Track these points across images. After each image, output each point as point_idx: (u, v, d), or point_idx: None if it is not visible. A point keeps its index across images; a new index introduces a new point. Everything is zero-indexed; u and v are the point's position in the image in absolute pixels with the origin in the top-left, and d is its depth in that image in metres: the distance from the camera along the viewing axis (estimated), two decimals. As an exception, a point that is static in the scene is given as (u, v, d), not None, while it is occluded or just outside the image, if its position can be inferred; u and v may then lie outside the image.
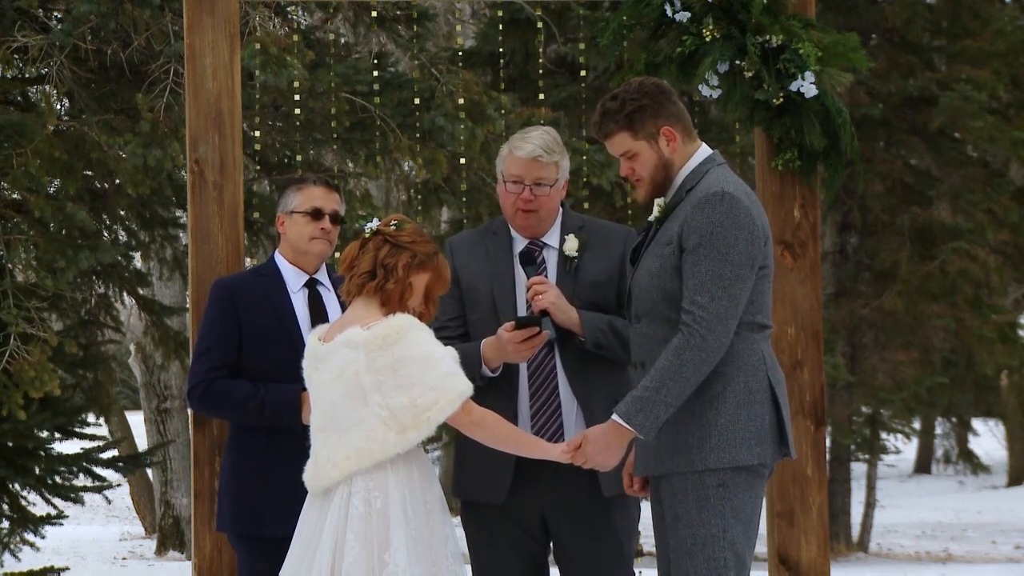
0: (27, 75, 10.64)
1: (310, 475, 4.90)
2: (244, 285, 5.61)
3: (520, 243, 5.50)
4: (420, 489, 4.85)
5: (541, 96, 12.04)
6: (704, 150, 5.00)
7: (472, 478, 5.45)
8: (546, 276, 5.45)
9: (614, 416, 4.81)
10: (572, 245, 5.47)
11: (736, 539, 4.81)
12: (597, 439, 4.85)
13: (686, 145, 4.98)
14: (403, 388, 4.77)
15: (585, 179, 11.43)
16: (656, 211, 4.99)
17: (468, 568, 5.03)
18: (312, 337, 5.01)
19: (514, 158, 5.44)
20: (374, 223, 4.99)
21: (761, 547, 16.96)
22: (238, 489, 5.51)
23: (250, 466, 5.50)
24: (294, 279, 5.63)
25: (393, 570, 4.71)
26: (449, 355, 4.84)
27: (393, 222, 4.98)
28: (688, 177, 4.94)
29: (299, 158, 11.22)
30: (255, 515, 5.46)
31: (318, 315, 5.54)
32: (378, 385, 4.77)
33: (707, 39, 5.78)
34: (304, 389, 5.32)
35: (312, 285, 5.63)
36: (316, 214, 5.61)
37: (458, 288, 5.48)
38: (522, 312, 5.42)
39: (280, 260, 5.67)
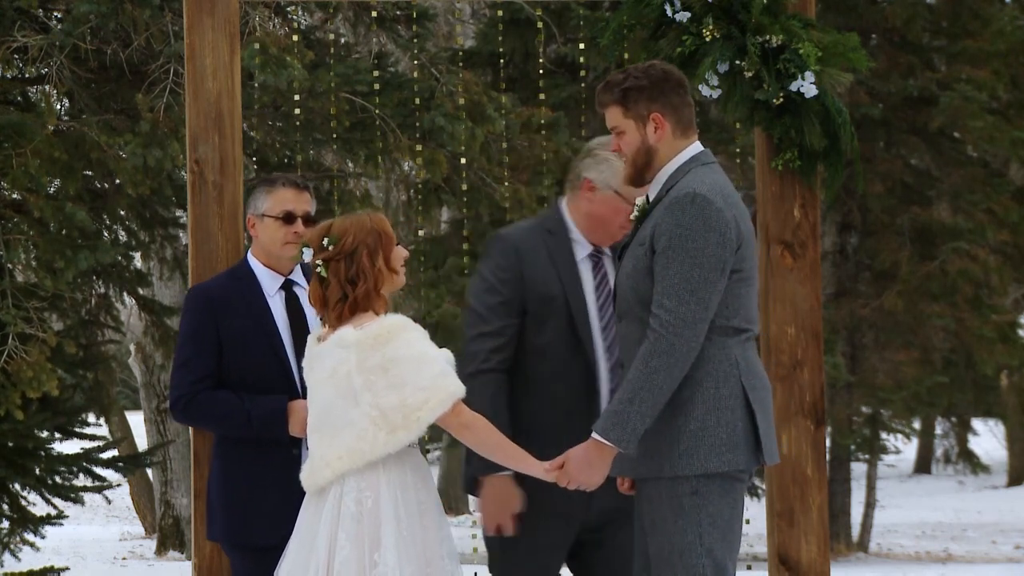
0: (27, 75, 10.64)
1: (306, 474, 4.90)
2: (219, 290, 5.54)
3: (583, 247, 5.40)
4: (414, 489, 4.84)
5: (541, 96, 12.04)
6: (693, 148, 4.92)
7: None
8: (609, 284, 5.35)
9: (593, 433, 4.75)
10: None
11: (714, 546, 4.76)
12: (579, 458, 4.78)
13: (676, 140, 4.90)
14: (394, 388, 4.75)
15: (585, 179, 11.42)
16: (636, 211, 4.96)
17: (463, 568, 5.02)
18: (311, 337, 5.00)
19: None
20: (307, 253, 4.91)
21: (761, 547, 16.95)
22: (228, 499, 5.47)
23: (239, 475, 5.45)
24: (270, 282, 5.56)
25: (383, 570, 4.70)
26: (442, 356, 4.82)
27: (324, 238, 4.90)
28: (671, 176, 4.88)
29: (299, 158, 11.22)
30: (247, 525, 5.43)
31: (296, 317, 5.49)
32: (369, 385, 4.76)
33: (707, 39, 5.78)
34: (290, 400, 5.33)
35: (288, 287, 5.57)
36: (288, 218, 5.54)
37: (519, 290, 5.34)
38: (595, 318, 5.32)
39: (254, 262, 5.60)
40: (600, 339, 5.35)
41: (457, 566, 4.89)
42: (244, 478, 5.43)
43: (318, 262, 4.88)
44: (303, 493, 4.95)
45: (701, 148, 4.94)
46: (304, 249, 4.92)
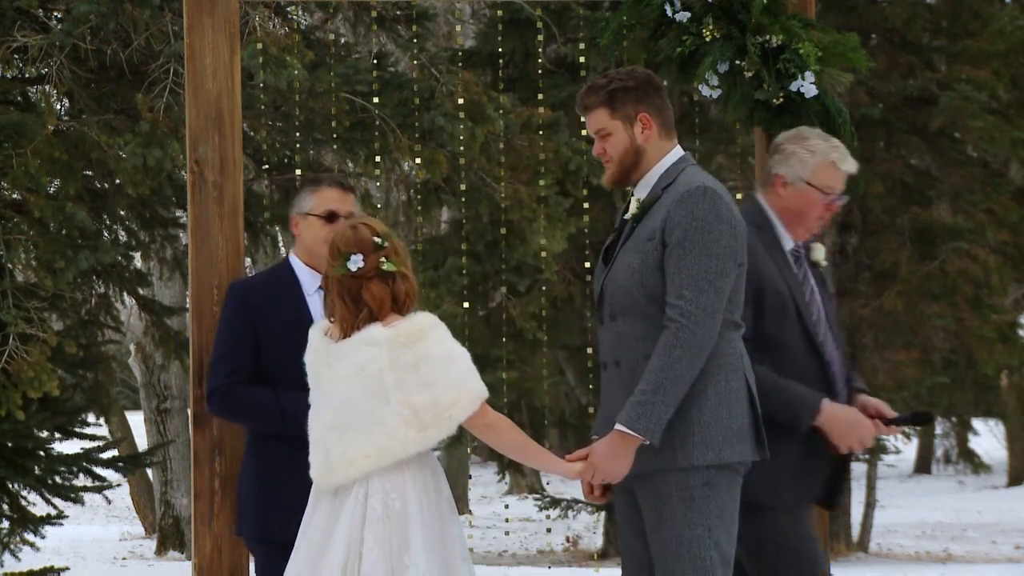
0: (27, 75, 10.64)
1: (321, 472, 4.87)
2: (259, 287, 5.57)
3: (787, 242, 5.34)
4: (434, 491, 4.85)
5: (541, 96, 12.05)
6: (679, 150, 5.00)
7: None
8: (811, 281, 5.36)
9: (617, 425, 4.77)
10: (821, 254, 5.43)
11: (720, 539, 4.81)
12: (603, 450, 4.80)
13: (662, 141, 4.98)
14: (425, 386, 4.75)
15: (585, 179, 11.43)
16: (634, 207, 4.98)
17: (476, 568, 5.02)
18: (316, 332, 4.97)
19: (841, 172, 5.38)
20: (358, 260, 4.87)
21: (761, 547, 16.94)
22: (260, 494, 5.48)
23: (271, 471, 5.47)
24: (310, 281, 5.58)
25: (414, 572, 4.69)
26: (466, 355, 4.83)
27: (375, 237, 4.87)
28: (664, 174, 4.94)
29: (299, 158, 11.22)
30: (278, 521, 5.41)
31: None
32: (400, 383, 4.75)
33: (707, 39, 5.78)
34: None
35: None
36: (331, 217, 5.55)
37: (751, 283, 5.18)
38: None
39: (295, 262, 5.63)
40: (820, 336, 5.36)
41: (470, 567, 4.89)
42: (276, 473, 5.44)
43: (382, 259, 4.85)
44: None
45: (683, 151, 5.02)
46: (352, 257, 4.87)
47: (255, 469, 5.52)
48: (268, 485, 5.47)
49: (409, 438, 4.76)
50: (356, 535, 4.75)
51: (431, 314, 4.87)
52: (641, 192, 4.98)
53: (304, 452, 5.30)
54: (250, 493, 5.52)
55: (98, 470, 11.22)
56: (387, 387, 4.76)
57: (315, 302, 5.55)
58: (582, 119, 5.14)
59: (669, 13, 5.83)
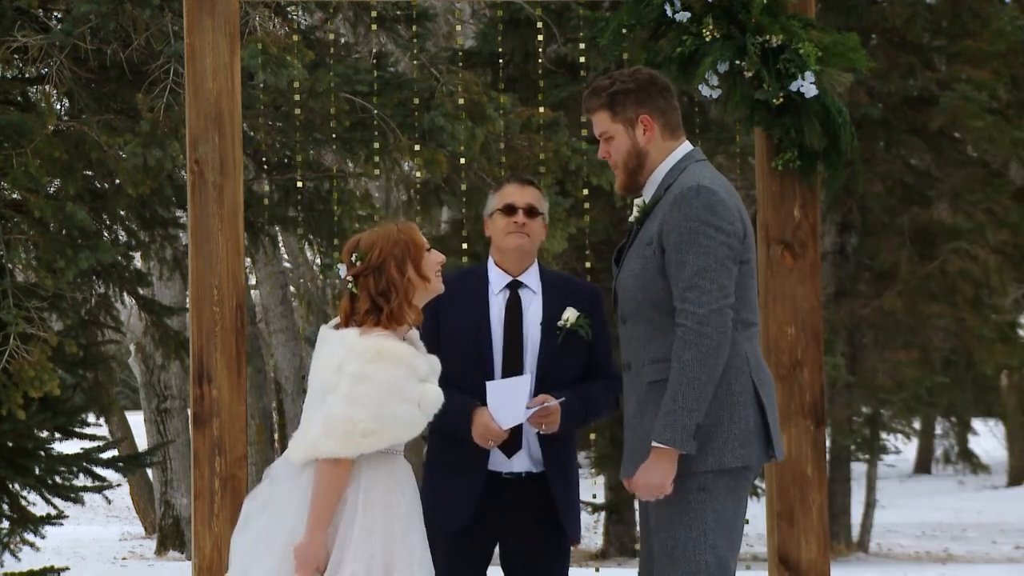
0: (27, 75, 10.63)
1: (290, 448, 4.95)
2: (449, 285, 5.54)
3: None
4: (385, 493, 4.84)
5: (541, 96, 12.05)
6: (684, 147, 5.00)
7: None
8: None
9: (652, 441, 4.79)
10: None
11: (718, 543, 4.81)
12: (643, 467, 4.82)
13: (665, 141, 4.98)
14: (350, 400, 4.75)
15: (585, 179, 11.42)
16: (636, 211, 4.99)
17: None
18: (324, 326, 5.03)
19: None
20: (341, 270, 4.95)
21: (761, 547, 16.97)
22: (427, 484, 5.64)
23: (438, 463, 5.68)
24: (497, 280, 5.67)
25: (339, 554, 4.75)
26: (409, 408, 4.81)
27: (353, 253, 4.93)
28: (668, 174, 4.95)
29: (299, 158, 11.21)
30: (443, 509, 5.59)
31: (515, 318, 5.59)
32: (337, 387, 4.78)
33: (707, 39, 5.79)
34: (476, 405, 5.44)
35: (515, 287, 5.66)
36: (509, 209, 5.63)
37: None
38: None
39: (490, 263, 5.73)
40: None
41: (428, 573, 4.88)
42: (443, 466, 5.66)
43: (349, 278, 4.91)
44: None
45: (691, 147, 5.01)
46: (339, 266, 4.97)
47: (427, 459, 5.71)
48: (434, 476, 5.65)
49: (316, 443, 4.78)
50: (299, 518, 4.81)
51: (406, 349, 4.85)
52: (648, 193, 5.00)
53: (470, 446, 5.49)
54: (423, 481, 5.66)
55: (98, 470, 11.20)
56: (327, 388, 4.80)
57: (497, 301, 5.64)
58: (582, 119, 5.16)
59: (669, 13, 5.84)
